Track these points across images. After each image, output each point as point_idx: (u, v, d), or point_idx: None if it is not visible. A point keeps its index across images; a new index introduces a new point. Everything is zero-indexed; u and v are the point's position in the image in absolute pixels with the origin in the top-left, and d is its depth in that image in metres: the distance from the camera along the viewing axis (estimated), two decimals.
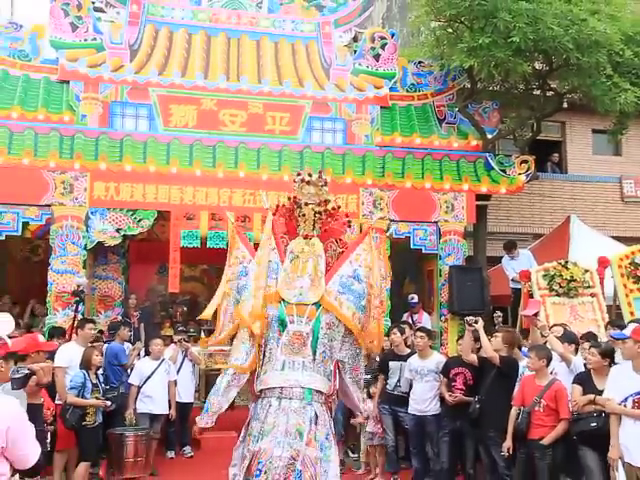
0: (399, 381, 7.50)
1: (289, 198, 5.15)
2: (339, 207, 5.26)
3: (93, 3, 10.41)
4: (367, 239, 5.19)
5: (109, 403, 7.01)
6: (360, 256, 5.08)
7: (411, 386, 7.32)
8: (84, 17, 10.13)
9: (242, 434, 4.83)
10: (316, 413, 4.67)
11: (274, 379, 4.69)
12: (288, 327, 4.76)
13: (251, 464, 4.53)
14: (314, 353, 4.76)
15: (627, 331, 5.15)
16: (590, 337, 6.90)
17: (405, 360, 7.44)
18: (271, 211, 5.16)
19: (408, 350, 7.64)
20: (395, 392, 7.51)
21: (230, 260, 5.18)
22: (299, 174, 5.15)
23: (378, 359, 7.94)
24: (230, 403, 4.92)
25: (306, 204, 5.04)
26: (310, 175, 5.06)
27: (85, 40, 10.10)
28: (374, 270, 5.07)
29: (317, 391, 4.71)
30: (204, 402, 9.64)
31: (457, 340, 8.16)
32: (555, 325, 7.39)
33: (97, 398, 6.85)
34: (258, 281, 4.84)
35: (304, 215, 5.03)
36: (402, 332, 7.75)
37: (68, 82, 9.92)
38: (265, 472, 4.44)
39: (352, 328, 4.89)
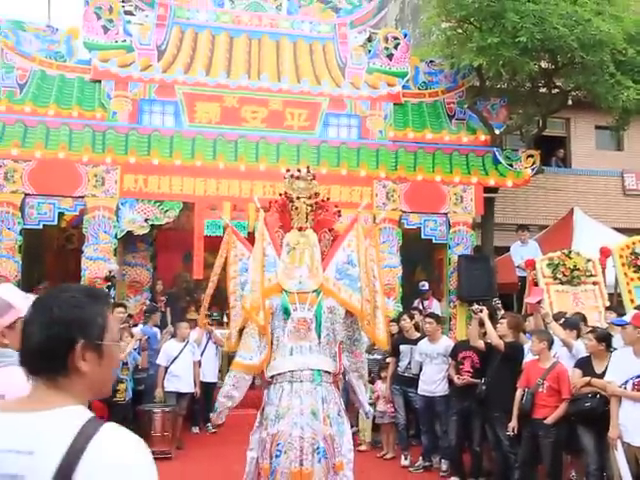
0: (409, 363, 7.51)
1: (280, 194, 5.18)
2: (328, 199, 5.29)
3: (123, 7, 10.44)
4: (356, 226, 5.22)
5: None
6: (352, 242, 5.11)
7: (421, 368, 7.32)
8: (115, 20, 10.15)
9: (258, 419, 4.85)
10: (325, 393, 4.71)
11: (284, 364, 4.71)
12: (292, 315, 4.79)
13: (271, 447, 4.56)
14: (319, 337, 4.79)
15: (627, 317, 5.11)
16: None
17: (415, 344, 7.45)
18: (263, 210, 5.21)
19: (418, 334, 7.64)
20: (406, 374, 7.53)
21: (230, 259, 5.24)
22: (288, 170, 5.21)
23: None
24: (250, 384, 4.99)
25: (298, 198, 5.06)
26: (299, 171, 5.10)
27: (116, 42, 10.12)
28: (360, 254, 5.07)
29: (325, 372, 4.75)
30: None
31: (466, 325, 8.15)
32: (577, 313, 7.38)
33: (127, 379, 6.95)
34: (254, 274, 4.89)
35: (297, 209, 5.04)
36: (411, 318, 7.76)
37: (100, 81, 9.97)
38: (285, 452, 4.47)
39: (353, 310, 4.91)
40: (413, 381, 7.39)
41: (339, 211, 5.44)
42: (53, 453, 1.29)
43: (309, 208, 5.07)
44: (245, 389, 4.94)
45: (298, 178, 5.08)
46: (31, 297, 2.67)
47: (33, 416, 1.35)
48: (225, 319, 11.13)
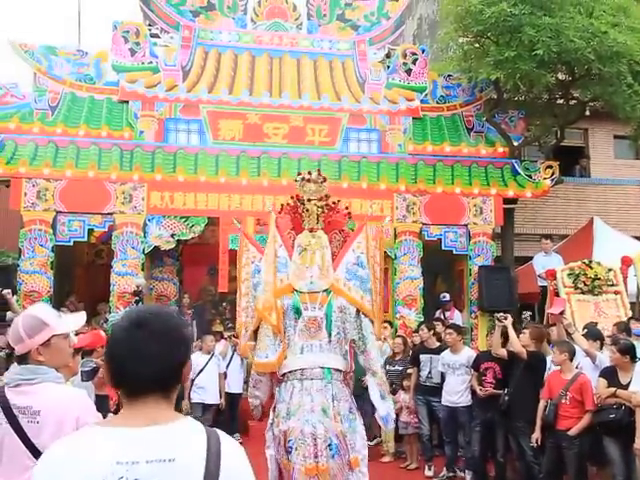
0: (430, 372, 7.46)
1: (292, 197, 5.22)
2: (339, 201, 5.32)
3: (150, 30, 10.60)
4: (364, 229, 5.26)
5: None
6: (361, 244, 5.16)
7: (443, 377, 7.26)
8: (142, 43, 10.32)
9: (270, 417, 4.89)
10: (336, 390, 4.72)
11: (294, 362, 4.74)
12: (303, 314, 4.83)
13: (284, 443, 4.58)
14: (329, 335, 4.82)
15: None
16: (622, 329, 6.76)
17: (434, 353, 7.41)
18: (274, 213, 5.26)
19: (438, 343, 7.59)
20: (427, 383, 7.49)
21: (242, 261, 5.30)
22: (299, 174, 5.26)
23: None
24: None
25: (309, 200, 5.11)
26: (310, 174, 5.15)
27: (142, 63, 10.29)
28: (368, 256, 5.14)
29: (335, 369, 4.77)
30: None
31: (486, 335, 8.07)
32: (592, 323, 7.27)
33: None
34: (266, 276, 4.92)
35: (308, 210, 5.09)
36: (429, 328, 7.72)
37: (128, 102, 10.12)
38: (296, 449, 4.49)
39: (362, 308, 4.93)
40: (436, 390, 7.34)
41: (349, 213, 5.49)
42: (193, 459, 1.43)
43: (320, 210, 5.13)
44: (267, 387, 5.03)
45: (309, 181, 5.14)
46: (64, 315, 2.71)
47: (165, 428, 1.46)
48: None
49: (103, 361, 1.52)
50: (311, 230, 5.09)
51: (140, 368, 1.49)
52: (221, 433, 1.54)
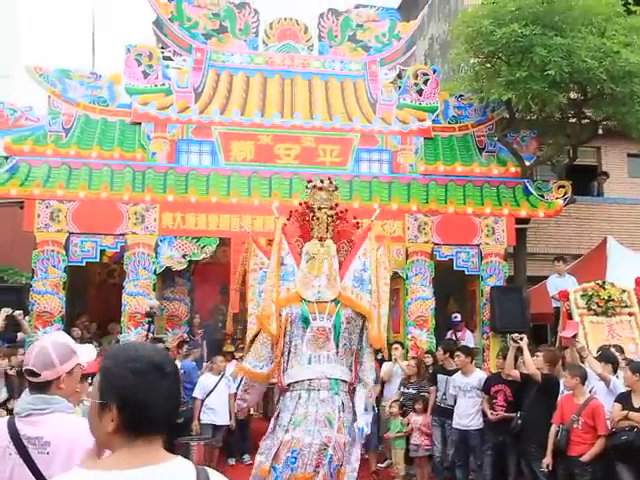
0: (445, 394, 7.44)
1: (300, 203, 5.22)
2: (347, 210, 5.31)
3: (162, 53, 10.81)
4: (369, 234, 5.26)
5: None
6: (366, 250, 5.17)
7: (455, 401, 7.25)
8: (154, 65, 10.51)
9: (272, 425, 4.89)
10: (342, 401, 4.73)
11: (302, 372, 4.77)
12: (312, 324, 4.85)
13: (279, 452, 4.57)
14: (337, 346, 4.83)
15: None
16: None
17: (451, 374, 7.40)
18: (281, 220, 5.29)
19: (455, 365, 7.58)
20: (442, 404, 7.48)
21: (249, 267, 5.29)
22: (310, 181, 5.25)
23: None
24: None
25: (320, 208, 5.12)
26: (322, 182, 5.16)
27: (155, 85, 10.47)
28: (372, 258, 5.15)
29: (342, 381, 4.80)
30: (262, 413, 9.76)
31: (496, 356, 8.04)
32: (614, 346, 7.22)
33: None
34: (267, 282, 4.92)
35: (318, 219, 5.12)
36: (446, 350, 7.71)
37: (140, 124, 10.29)
38: (298, 458, 4.54)
39: (363, 311, 4.99)
40: (450, 412, 7.33)
41: (357, 222, 5.49)
42: None
43: (330, 219, 5.14)
44: (257, 393, 5.17)
45: (321, 189, 5.15)
46: (78, 346, 2.74)
47: (158, 468, 1.48)
48: None
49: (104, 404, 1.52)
50: (320, 239, 5.10)
51: (160, 410, 1.53)
52: (210, 471, 1.57)
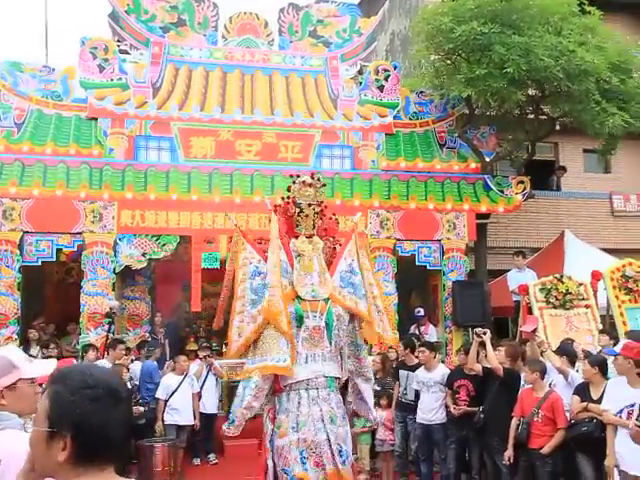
0: (406, 389, 7.51)
1: (283, 198, 5.15)
2: (326, 207, 5.27)
3: (119, 46, 10.56)
4: (354, 236, 5.25)
5: (141, 409, 7.09)
6: (351, 251, 5.16)
7: (417, 396, 7.32)
8: (110, 59, 10.28)
9: (269, 429, 4.80)
10: (338, 397, 4.79)
11: (300, 372, 4.73)
12: (306, 323, 4.80)
13: (290, 453, 4.58)
14: (330, 344, 4.83)
15: (617, 348, 5.15)
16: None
17: (413, 370, 7.46)
18: (274, 213, 5.10)
19: (416, 360, 7.64)
20: (402, 400, 7.53)
21: (238, 262, 5.06)
22: (298, 176, 5.17)
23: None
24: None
25: (308, 205, 5.05)
26: (312, 178, 5.10)
27: (111, 80, 10.24)
28: (361, 262, 5.13)
29: (336, 378, 4.83)
30: (228, 412, 9.68)
31: (457, 351, 8.17)
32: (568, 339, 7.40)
33: None
34: (274, 278, 4.76)
35: (307, 216, 5.03)
36: (406, 346, 7.75)
37: (96, 119, 10.06)
38: (308, 458, 4.53)
39: (359, 314, 5.00)
40: (410, 407, 7.39)
41: (337, 219, 5.49)
42: None
43: (316, 215, 5.09)
44: (263, 399, 4.86)
45: (310, 185, 5.06)
46: (35, 361, 2.67)
47: None
48: (224, 349, 11.15)
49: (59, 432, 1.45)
50: (308, 236, 5.06)
51: (116, 437, 1.48)
52: None
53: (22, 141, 9.69)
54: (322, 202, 5.15)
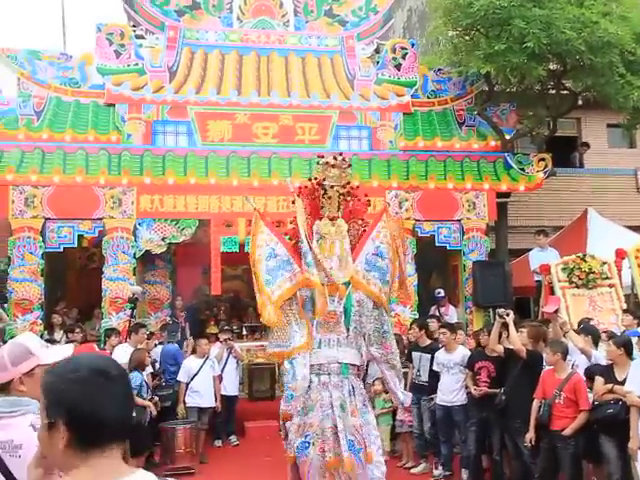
0: (419, 370, 7.44)
1: (310, 179, 5.02)
2: (357, 187, 5.13)
3: (134, 31, 10.50)
4: (385, 217, 5.12)
5: (158, 405, 7.15)
6: (380, 233, 5.03)
7: (433, 376, 7.24)
8: (127, 44, 10.23)
9: (286, 408, 4.80)
10: (352, 385, 4.68)
11: (313, 357, 4.68)
12: None
13: (295, 436, 4.55)
14: (347, 330, 4.74)
15: None
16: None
17: (425, 351, 7.38)
18: (297, 195, 4.99)
19: (429, 341, 7.56)
20: (416, 381, 7.46)
21: (256, 242, 5.01)
22: (322, 156, 5.02)
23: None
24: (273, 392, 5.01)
25: (332, 187, 4.91)
26: (335, 158, 4.96)
27: (128, 65, 10.20)
28: (391, 244, 5.02)
29: (352, 365, 4.72)
30: (247, 394, 9.75)
31: (474, 332, 8.07)
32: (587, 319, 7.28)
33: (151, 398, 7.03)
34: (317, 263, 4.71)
35: (330, 197, 4.90)
36: (420, 327, 7.66)
37: (114, 105, 10.05)
38: (313, 444, 4.48)
39: (380, 301, 4.89)
40: (423, 388, 7.34)
41: (369, 200, 5.34)
42: None
43: (341, 197, 4.96)
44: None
45: (334, 166, 4.91)
46: (51, 347, 2.66)
47: None
48: (245, 332, 11.19)
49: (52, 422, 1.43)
50: (331, 218, 4.93)
51: (111, 417, 1.44)
52: None
53: (42, 129, 9.73)
54: (348, 183, 5.01)
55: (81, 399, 1.43)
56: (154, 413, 7.01)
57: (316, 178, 4.97)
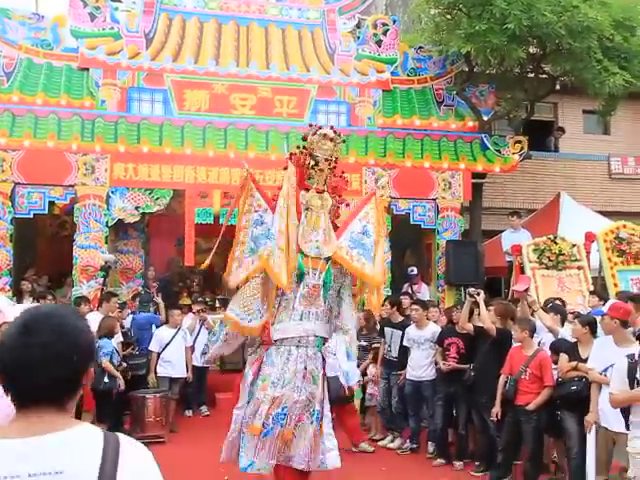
0: (390, 346, 7.55)
1: (298, 147, 4.89)
2: (337, 163, 5.02)
3: None
4: (373, 199, 5.13)
5: (128, 373, 7.17)
6: (368, 214, 5.02)
7: (402, 352, 7.34)
8: (102, 7, 9.97)
9: (250, 379, 4.72)
10: (323, 357, 4.76)
11: (293, 329, 4.69)
12: (306, 280, 4.70)
13: (270, 408, 4.57)
14: (324, 303, 4.78)
15: (604, 308, 5.14)
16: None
17: (397, 327, 7.48)
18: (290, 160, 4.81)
19: (401, 318, 7.66)
20: (387, 357, 7.57)
21: (244, 207, 4.85)
22: (320, 127, 4.90)
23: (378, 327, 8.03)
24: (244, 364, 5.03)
25: (325, 160, 4.83)
26: (334, 131, 4.88)
27: (103, 29, 9.96)
28: (379, 227, 5.06)
29: (324, 338, 4.79)
30: (219, 365, 9.76)
31: (447, 309, 8.19)
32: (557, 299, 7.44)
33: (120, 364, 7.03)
34: (289, 235, 4.52)
35: (321, 170, 4.81)
36: (392, 304, 7.74)
37: (88, 69, 9.82)
38: (287, 415, 4.55)
39: (364, 277, 4.92)
40: (393, 364, 7.45)
41: (346, 179, 5.34)
42: (84, 470, 1.35)
43: (330, 171, 4.90)
44: (236, 346, 4.98)
45: (331, 140, 4.80)
46: (17, 305, 2.65)
47: (53, 437, 1.37)
48: (217, 304, 11.18)
49: None
50: (319, 191, 4.86)
51: (29, 378, 1.40)
52: (124, 440, 1.44)
53: (12, 91, 9.49)
54: (337, 158, 4.97)
55: (4, 354, 1.40)
56: (122, 387, 6.97)
57: (305, 147, 4.87)
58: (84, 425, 1.45)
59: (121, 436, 1.45)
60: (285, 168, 4.78)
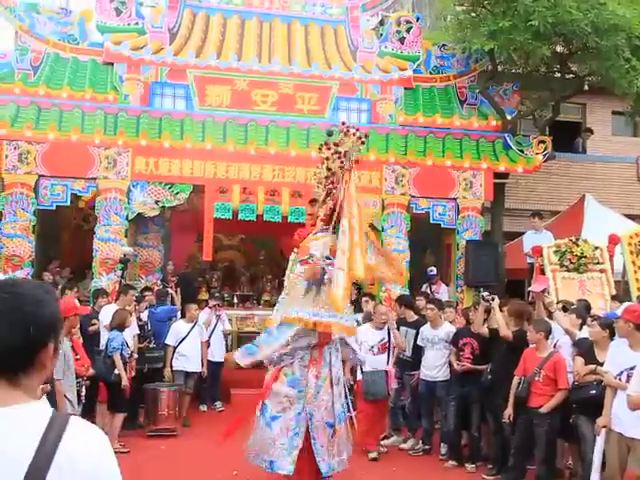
0: None
1: (338, 151, 4.82)
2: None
3: None
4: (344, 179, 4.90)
5: (134, 366, 7.23)
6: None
7: (416, 352, 7.28)
8: (127, 2, 10.09)
9: (313, 381, 4.86)
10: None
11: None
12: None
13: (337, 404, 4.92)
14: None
15: (618, 311, 5.02)
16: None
17: (411, 327, 7.41)
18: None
19: (416, 317, 7.59)
20: (400, 356, 7.50)
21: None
22: (358, 129, 4.81)
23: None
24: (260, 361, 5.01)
25: (356, 162, 4.81)
26: (366, 136, 4.82)
27: (128, 24, 10.08)
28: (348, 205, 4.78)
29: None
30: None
31: (463, 310, 8.10)
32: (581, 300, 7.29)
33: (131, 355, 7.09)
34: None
35: (349, 170, 4.77)
36: (400, 304, 7.76)
37: (112, 64, 9.95)
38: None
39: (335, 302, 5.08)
40: (406, 363, 7.39)
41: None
42: (21, 453, 1.28)
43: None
44: (291, 349, 4.85)
45: (363, 143, 4.83)
46: None
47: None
48: (236, 300, 11.23)
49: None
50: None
51: None
52: (75, 423, 1.35)
53: (38, 84, 9.63)
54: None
55: None
56: (125, 383, 6.91)
57: (338, 148, 4.74)
58: (35, 404, 1.37)
59: (74, 419, 1.36)
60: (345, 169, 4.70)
